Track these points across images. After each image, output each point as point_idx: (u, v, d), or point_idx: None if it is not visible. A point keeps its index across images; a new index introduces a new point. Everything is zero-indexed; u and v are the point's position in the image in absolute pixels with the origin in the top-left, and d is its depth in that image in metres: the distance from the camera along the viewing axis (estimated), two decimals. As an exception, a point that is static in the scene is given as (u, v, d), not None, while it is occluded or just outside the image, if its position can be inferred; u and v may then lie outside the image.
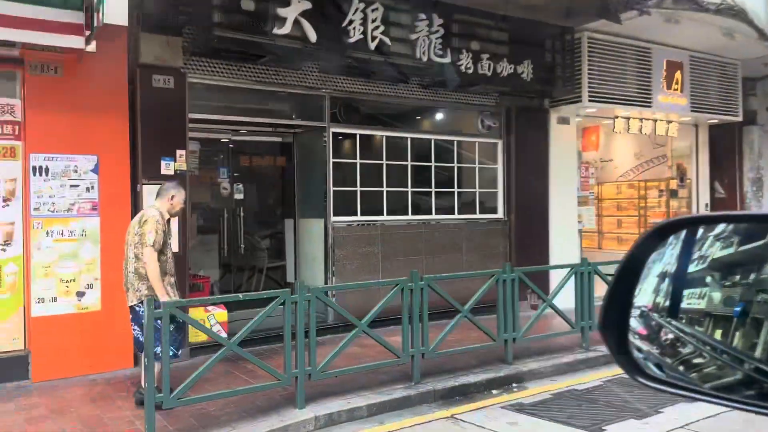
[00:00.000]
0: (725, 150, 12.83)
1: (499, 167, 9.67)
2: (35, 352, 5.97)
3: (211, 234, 8.10)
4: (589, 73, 9.50)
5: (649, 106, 10.33)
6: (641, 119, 10.97)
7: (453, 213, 9.21)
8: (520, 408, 5.45)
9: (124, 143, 6.42)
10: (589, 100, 9.51)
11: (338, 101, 8.09)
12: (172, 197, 5.47)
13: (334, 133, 8.04)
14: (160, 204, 5.48)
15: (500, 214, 9.65)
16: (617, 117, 10.67)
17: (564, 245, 9.99)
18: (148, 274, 5.20)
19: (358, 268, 8.10)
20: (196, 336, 6.93)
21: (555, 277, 9.21)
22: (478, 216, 9.44)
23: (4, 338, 5.99)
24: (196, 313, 6.91)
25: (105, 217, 6.29)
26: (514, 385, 6.17)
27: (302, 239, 8.44)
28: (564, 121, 10.06)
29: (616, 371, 6.54)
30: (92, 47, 6.08)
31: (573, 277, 7.09)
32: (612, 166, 14.63)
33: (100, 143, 6.29)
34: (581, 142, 15.04)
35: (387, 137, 8.56)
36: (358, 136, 8.27)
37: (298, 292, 5.15)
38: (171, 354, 5.31)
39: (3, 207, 6.02)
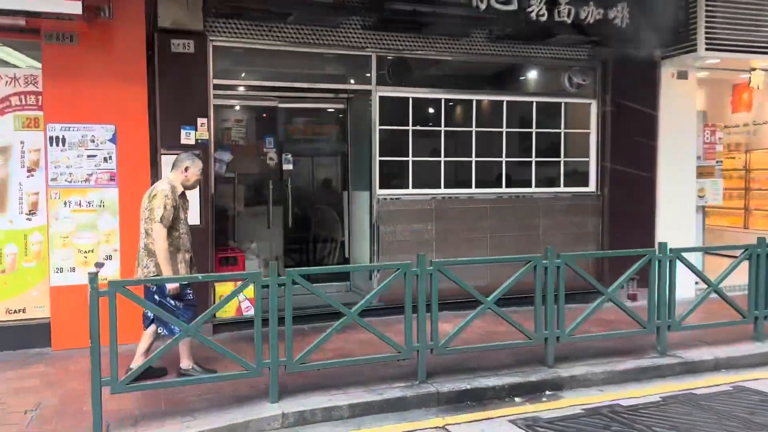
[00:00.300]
0: None
1: (592, 132, 8.29)
2: (54, 321, 6.05)
3: (259, 206, 7.78)
4: (707, 15, 7.73)
5: (796, 53, 8.24)
6: (790, 71, 8.84)
7: (529, 186, 8.05)
8: (531, 424, 4.46)
9: (142, 112, 6.24)
10: (707, 49, 7.75)
11: (386, 61, 7.30)
12: (186, 169, 5.16)
13: (381, 97, 7.28)
14: (173, 176, 5.20)
15: (592, 187, 8.30)
16: (754, 69, 8.69)
17: (676, 224, 8.38)
18: (156, 251, 4.96)
19: (408, 246, 7.33)
20: (224, 312, 6.69)
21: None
22: (561, 189, 8.18)
23: (30, 306, 6.15)
24: (225, 288, 6.68)
25: (123, 188, 6.18)
26: (547, 392, 5.13)
27: (354, 213, 7.85)
28: (682, 75, 8.34)
29: (687, 384, 5.26)
30: (107, 15, 5.95)
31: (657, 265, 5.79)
32: (765, 129, 12.20)
33: (118, 112, 6.15)
34: (730, 100, 12.89)
35: (446, 100, 7.62)
36: (410, 100, 7.43)
37: (270, 275, 4.60)
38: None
39: (28, 177, 6.12)
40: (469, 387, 4.99)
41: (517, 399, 5.00)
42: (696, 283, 8.57)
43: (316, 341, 4.80)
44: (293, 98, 7.80)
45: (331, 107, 8.08)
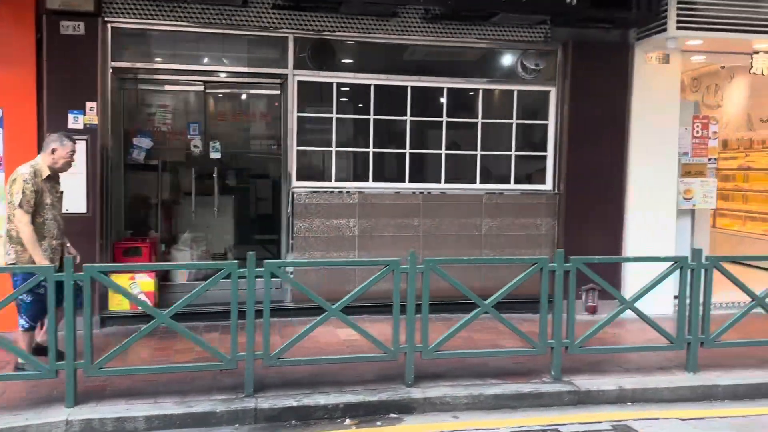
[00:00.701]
0: None
1: (551, 123, 7.40)
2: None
3: (188, 196, 7.48)
4: (680, -13, 6.69)
5: (800, 33, 6.99)
6: (806, 54, 7.51)
7: (473, 182, 7.29)
8: (329, 455, 3.89)
9: (30, 96, 6.07)
10: (679, 27, 6.68)
11: (307, 43, 6.78)
12: (54, 151, 4.95)
13: (300, 81, 6.78)
14: (41, 158, 5.01)
15: (548, 184, 7.42)
16: (757, 53, 7.44)
17: (651, 228, 7.34)
18: (21, 238, 4.78)
19: (325, 243, 6.82)
20: (118, 305, 6.48)
21: (632, 270, 6.86)
22: (511, 186, 7.36)
23: None
24: (119, 279, 6.45)
25: (10, 172, 6.02)
26: (391, 415, 4.50)
27: (282, 205, 7.38)
28: (662, 59, 7.26)
29: (563, 418, 4.53)
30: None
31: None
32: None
33: (6, 96, 6.02)
34: None
35: (377, 86, 6.99)
36: (334, 85, 6.88)
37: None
38: (27, 326, 4.88)
39: None
40: (295, 404, 4.45)
41: (347, 421, 4.41)
42: (676, 297, 7.54)
43: (118, 346, 4.42)
44: (222, 84, 7.45)
45: (264, 93, 7.65)
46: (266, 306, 4.52)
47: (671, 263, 5.21)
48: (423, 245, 7.06)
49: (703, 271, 5.17)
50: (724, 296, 6.89)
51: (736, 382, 5.06)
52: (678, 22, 6.66)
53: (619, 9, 6.69)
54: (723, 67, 11.19)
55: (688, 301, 5.17)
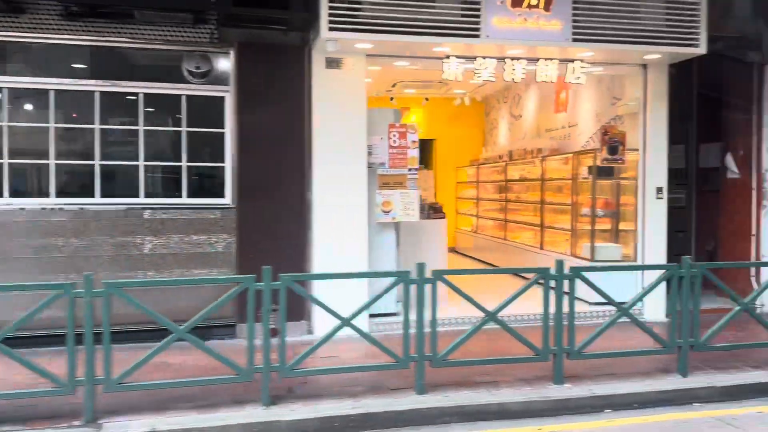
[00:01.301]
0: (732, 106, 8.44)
1: (228, 131, 6.83)
2: None
3: None
4: (335, -14, 6.27)
5: (476, 36, 6.70)
6: (505, 59, 7.24)
7: (135, 196, 6.62)
8: None
9: None
10: (332, 29, 6.25)
11: None
12: None
13: None
14: None
15: (227, 198, 6.84)
16: (448, 57, 7.12)
17: (341, 245, 6.87)
18: None
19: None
20: None
21: (319, 288, 6.27)
22: (182, 201, 6.73)
23: None
24: None
25: None
26: None
27: None
28: (332, 64, 6.84)
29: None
30: None
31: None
32: (576, 132, 10.61)
33: None
34: (555, 100, 11.51)
35: (11, 89, 6.25)
36: (-47, 89, 6.11)
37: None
38: None
39: None
40: None
41: None
42: (373, 315, 7.10)
43: None
44: None
45: None
46: None
47: (236, 283, 4.67)
48: (70, 269, 6.33)
49: (271, 290, 4.67)
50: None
51: (305, 417, 4.55)
52: (330, 23, 6.23)
53: (270, 8, 6.24)
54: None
55: (258, 324, 4.64)
